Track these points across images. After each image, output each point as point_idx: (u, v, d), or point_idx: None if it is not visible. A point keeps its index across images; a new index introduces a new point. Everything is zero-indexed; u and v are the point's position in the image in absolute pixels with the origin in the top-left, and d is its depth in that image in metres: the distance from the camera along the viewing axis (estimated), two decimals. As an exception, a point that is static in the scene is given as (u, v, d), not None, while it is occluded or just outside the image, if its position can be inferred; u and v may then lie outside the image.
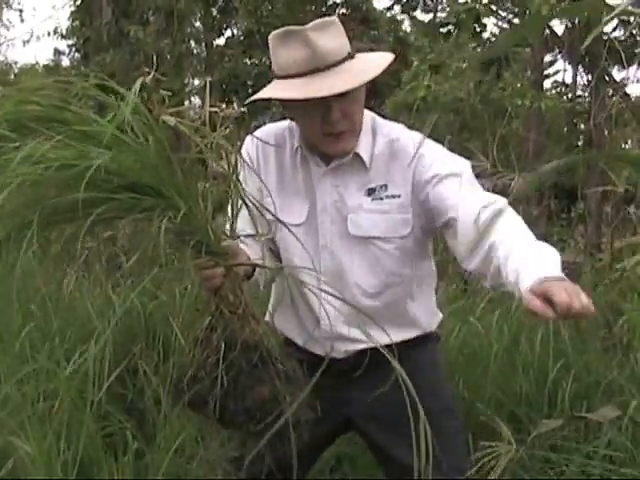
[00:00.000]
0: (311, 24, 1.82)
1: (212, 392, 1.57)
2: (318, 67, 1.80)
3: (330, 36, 1.83)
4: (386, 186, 1.94)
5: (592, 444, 2.86)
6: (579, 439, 2.91)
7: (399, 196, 1.93)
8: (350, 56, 1.86)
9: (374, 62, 1.89)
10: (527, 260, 1.50)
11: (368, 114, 2.00)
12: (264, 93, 1.88)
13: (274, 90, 1.87)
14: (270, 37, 1.87)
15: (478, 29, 6.36)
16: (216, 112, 1.66)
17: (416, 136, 1.99)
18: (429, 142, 1.99)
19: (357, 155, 1.94)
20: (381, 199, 1.94)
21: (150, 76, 1.55)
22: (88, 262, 4.77)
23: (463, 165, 1.92)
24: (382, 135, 1.98)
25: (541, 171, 0.63)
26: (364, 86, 1.89)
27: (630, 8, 0.67)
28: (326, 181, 1.96)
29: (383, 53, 1.94)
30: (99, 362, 3.08)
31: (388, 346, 1.99)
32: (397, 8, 14.94)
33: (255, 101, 1.84)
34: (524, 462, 2.76)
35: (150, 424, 3.09)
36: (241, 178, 1.69)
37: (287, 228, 1.85)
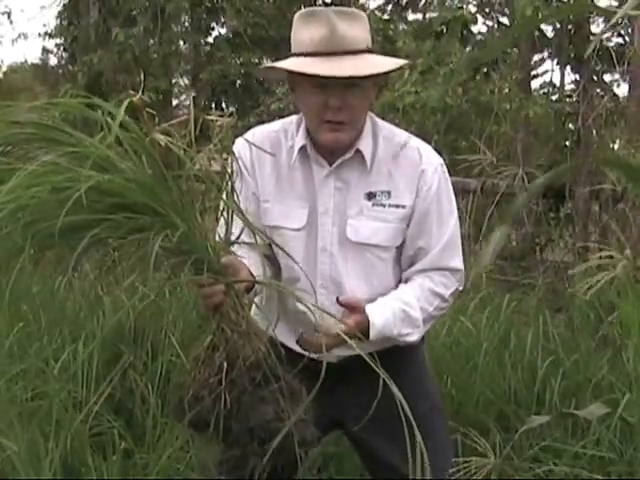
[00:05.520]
0: (337, 8, 1.80)
1: (214, 412, 1.53)
2: (334, 50, 1.77)
3: (352, 25, 1.80)
4: (389, 193, 1.91)
5: (580, 443, 2.87)
6: (567, 438, 2.92)
7: (404, 207, 1.91)
8: (368, 50, 1.83)
9: (389, 60, 1.88)
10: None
11: (367, 115, 1.95)
12: (280, 64, 1.85)
13: (286, 63, 1.83)
14: (295, 16, 1.85)
15: (466, 33, 6.33)
16: (211, 121, 1.63)
17: (422, 145, 1.97)
18: (431, 155, 1.97)
19: (359, 152, 1.91)
20: (383, 206, 1.91)
21: (138, 95, 1.52)
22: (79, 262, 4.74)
23: (452, 211, 1.96)
24: (384, 137, 1.95)
25: (533, 188, 0.63)
26: (372, 85, 1.87)
27: (614, 9, 0.67)
28: (329, 183, 1.93)
29: (397, 59, 1.93)
30: (88, 362, 3.08)
31: (380, 349, 1.98)
32: (388, 8, 14.91)
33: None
34: (512, 462, 2.77)
35: (139, 424, 3.08)
36: (235, 185, 1.65)
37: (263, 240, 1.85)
